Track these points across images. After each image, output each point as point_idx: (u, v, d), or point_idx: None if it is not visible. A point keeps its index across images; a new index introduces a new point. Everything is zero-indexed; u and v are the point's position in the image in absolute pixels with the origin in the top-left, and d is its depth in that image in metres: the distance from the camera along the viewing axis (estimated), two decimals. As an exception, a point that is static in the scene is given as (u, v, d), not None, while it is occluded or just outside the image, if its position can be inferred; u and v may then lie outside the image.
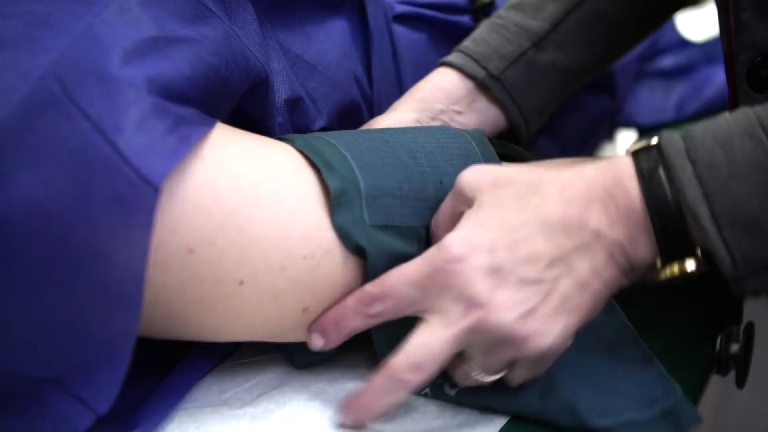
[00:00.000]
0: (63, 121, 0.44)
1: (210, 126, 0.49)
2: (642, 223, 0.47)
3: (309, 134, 0.56)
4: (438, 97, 0.69)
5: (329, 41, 0.68)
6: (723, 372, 0.65)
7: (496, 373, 0.51)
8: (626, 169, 0.48)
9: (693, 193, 0.45)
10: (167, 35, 0.49)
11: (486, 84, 0.69)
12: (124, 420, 0.51)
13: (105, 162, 0.44)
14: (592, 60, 0.74)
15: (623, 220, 0.47)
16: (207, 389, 0.56)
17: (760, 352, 0.70)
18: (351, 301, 0.51)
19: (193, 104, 0.49)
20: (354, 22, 0.71)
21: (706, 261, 0.47)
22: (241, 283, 0.49)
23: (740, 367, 0.65)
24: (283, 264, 0.50)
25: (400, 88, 0.75)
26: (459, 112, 0.69)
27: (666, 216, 0.46)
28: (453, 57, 0.70)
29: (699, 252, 0.47)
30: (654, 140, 0.48)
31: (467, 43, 0.71)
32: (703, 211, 0.45)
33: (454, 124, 0.69)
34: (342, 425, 0.52)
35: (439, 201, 0.54)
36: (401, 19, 0.76)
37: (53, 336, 0.45)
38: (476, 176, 0.51)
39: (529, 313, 0.47)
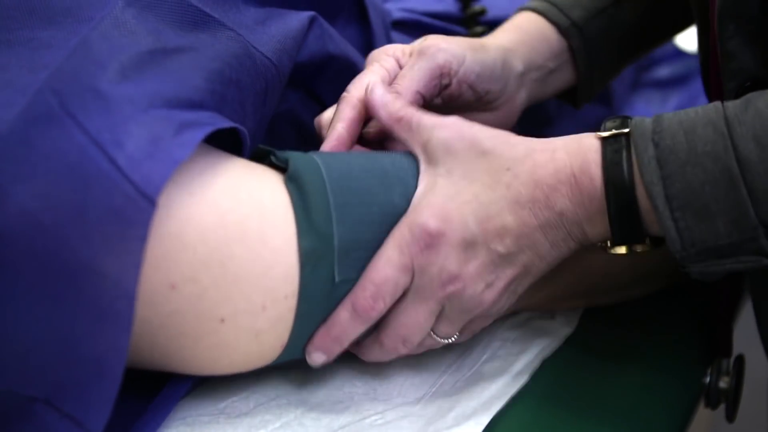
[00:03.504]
0: (60, 134, 0.44)
1: (224, 125, 0.49)
2: (600, 208, 0.50)
3: (313, 157, 0.53)
4: (540, 51, 0.69)
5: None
6: (713, 405, 0.66)
7: (449, 337, 0.55)
8: (593, 155, 0.50)
9: (651, 173, 0.48)
10: (165, 47, 0.50)
11: (569, 34, 0.69)
12: None
13: (102, 175, 0.43)
14: (660, 27, 0.75)
15: (585, 204, 0.50)
16: (204, 399, 0.55)
17: (748, 387, 0.68)
18: (345, 313, 0.52)
19: (207, 108, 0.49)
20: (354, 28, 0.72)
21: (653, 244, 0.51)
22: (222, 320, 0.49)
23: (730, 401, 0.66)
24: (264, 303, 0.50)
25: None
26: (552, 71, 0.70)
27: (622, 206, 0.49)
28: (536, 3, 0.70)
29: (647, 240, 0.51)
30: (626, 127, 0.50)
31: None
32: (658, 192, 0.48)
33: (537, 84, 0.69)
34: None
35: None
36: (399, 25, 0.77)
37: (43, 351, 0.45)
38: (453, 136, 0.52)
39: (494, 281, 0.52)
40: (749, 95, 0.49)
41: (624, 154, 0.49)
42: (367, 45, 0.72)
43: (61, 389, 0.45)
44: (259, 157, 0.55)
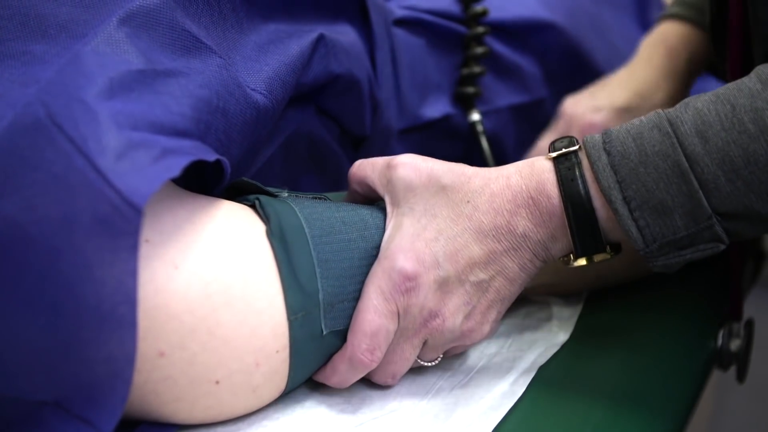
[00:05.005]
0: (46, 144, 0.44)
1: (206, 158, 0.49)
2: (561, 224, 0.53)
3: (295, 211, 0.54)
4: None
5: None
6: (724, 367, 0.70)
7: (433, 360, 0.58)
8: (548, 175, 0.53)
9: (607, 179, 0.51)
10: (155, 68, 0.50)
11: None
12: None
13: (88, 185, 0.44)
14: None
15: (546, 223, 0.53)
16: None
17: (753, 361, 0.72)
18: (343, 366, 0.54)
19: (190, 137, 0.50)
20: (357, 28, 0.71)
21: (613, 250, 0.55)
22: (217, 382, 0.50)
23: (741, 363, 0.70)
24: (257, 361, 0.51)
25: (398, 96, 0.75)
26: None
27: (581, 219, 0.52)
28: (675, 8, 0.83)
29: (607, 248, 0.54)
30: (577, 144, 0.54)
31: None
32: (616, 196, 0.51)
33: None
34: None
35: None
36: (401, 23, 0.77)
37: (49, 359, 0.45)
38: (411, 173, 0.55)
39: (472, 311, 0.55)
40: (687, 99, 0.52)
41: (577, 170, 0.53)
42: (369, 45, 0.72)
43: (70, 392, 0.46)
44: (245, 188, 0.57)
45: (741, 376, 0.71)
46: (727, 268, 0.73)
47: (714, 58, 0.76)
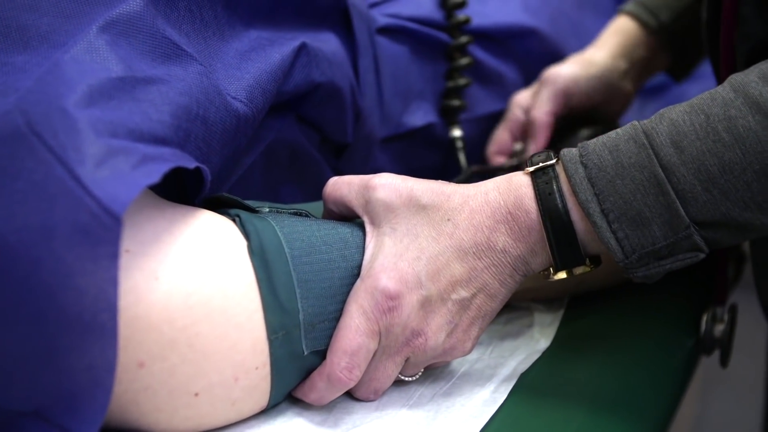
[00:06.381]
0: (26, 153, 0.44)
1: (186, 164, 0.49)
2: (540, 239, 0.54)
3: (275, 229, 0.54)
4: (638, 48, 0.87)
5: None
6: (708, 352, 0.71)
7: (414, 375, 0.58)
8: (526, 190, 0.54)
9: (585, 192, 0.52)
10: (135, 75, 0.50)
11: (658, 32, 0.86)
12: None
13: (67, 193, 0.44)
14: None
15: (525, 238, 0.54)
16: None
17: (738, 364, 0.72)
18: (322, 383, 0.54)
19: (170, 145, 0.50)
20: (340, 36, 0.72)
21: (593, 263, 0.55)
22: (196, 394, 0.50)
23: (725, 347, 0.71)
24: (236, 375, 0.51)
25: (380, 104, 0.75)
26: (650, 60, 0.88)
27: (560, 232, 0.53)
28: (630, 6, 0.87)
29: (587, 261, 0.55)
30: (554, 158, 0.54)
31: None
32: (594, 208, 0.51)
33: (640, 72, 0.88)
34: None
35: None
36: (384, 31, 0.77)
37: (30, 369, 0.45)
38: (391, 195, 0.55)
39: (454, 328, 0.55)
40: (662, 110, 0.52)
41: (554, 184, 0.53)
42: (351, 53, 0.72)
43: (51, 402, 0.46)
44: (225, 202, 0.57)
45: (724, 361, 0.72)
46: (712, 260, 0.73)
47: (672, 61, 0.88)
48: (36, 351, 0.45)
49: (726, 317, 0.71)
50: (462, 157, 0.83)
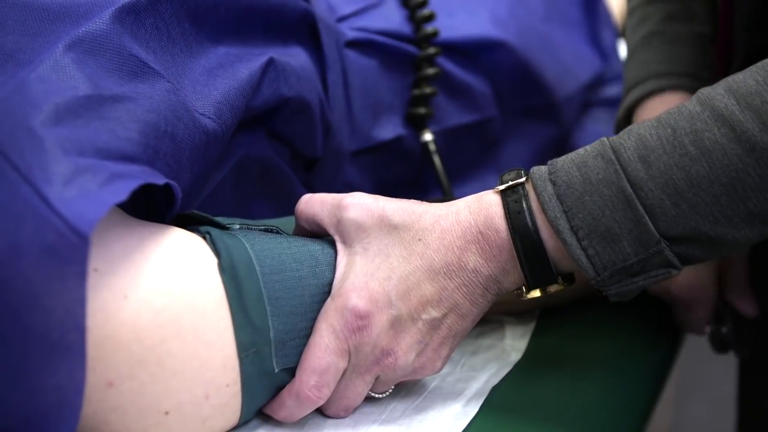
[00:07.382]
0: None
1: (155, 181, 0.49)
2: (511, 258, 0.53)
3: (246, 247, 0.54)
4: None
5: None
6: (723, 350, 0.74)
7: (384, 392, 0.58)
8: (495, 209, 0.54)
9: (553, 209, 0.52)
10: (102, 93, 0.50)
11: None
12: None
13: (34, 213, 0.44)
14: None
15: (496, 257, 0.54)
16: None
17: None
18: (291, 401, 0.54)
19: (138, 162, 0.49)
20: (308, 50, 0.72)
21: (566, 281, 0.55)
22: (166, 413, 0.50)
23: (733, 342, 0.74)
24: (206, 393, 0.51)
25: (350, 118, 0.75)
26: None
27: (530, 250, 0.53)
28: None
29: (559, 279, 0.54)
30: (524, 176, 0.54)
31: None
32: (563, 226, 0.51)
33: None
34: None
35: None
36: (353, 44, 0.77)
37: None
38: (362, 214, 0.55)
39: (424, 348, 0.55)
40: (631, 126, 0.52)
41: (524, 203, 0.53)
42: (320, 67, 0.72)
43: (19, 422, 0.45)
44: (195, 219, 0.56)
45: (741, 353, 0.74)
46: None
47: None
48: (3, 371, 0.44)
49: (727, 314, 0.73)
50: (437, 161, 0.82)
